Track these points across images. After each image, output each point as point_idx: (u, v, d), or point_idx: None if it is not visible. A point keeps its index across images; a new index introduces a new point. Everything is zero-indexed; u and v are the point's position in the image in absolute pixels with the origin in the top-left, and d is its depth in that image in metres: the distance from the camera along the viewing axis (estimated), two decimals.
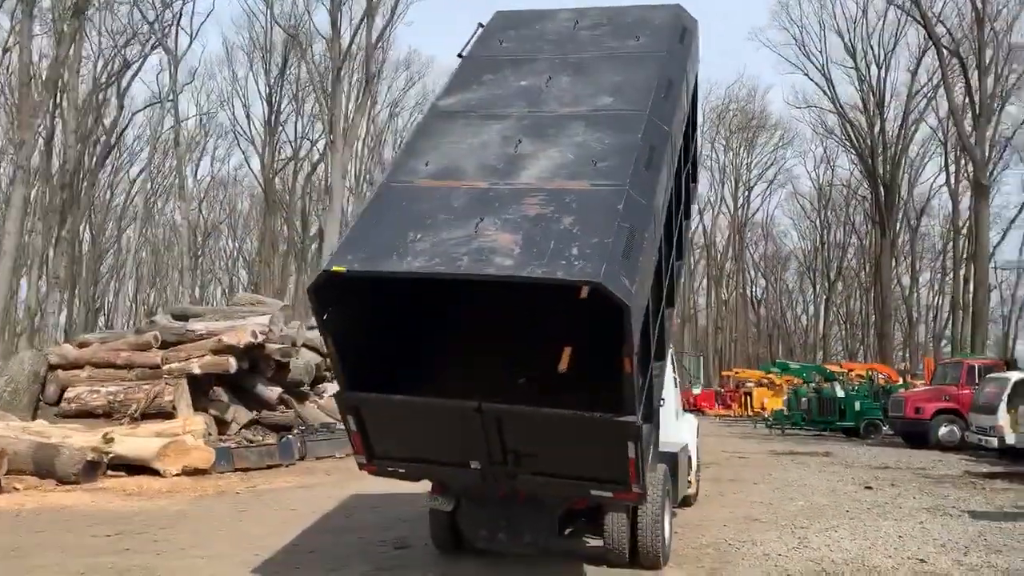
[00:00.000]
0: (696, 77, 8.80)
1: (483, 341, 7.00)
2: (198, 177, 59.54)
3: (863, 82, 50.13)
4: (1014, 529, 9.99)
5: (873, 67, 49.93)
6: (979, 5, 38.42)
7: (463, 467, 6.40)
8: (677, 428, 9.86)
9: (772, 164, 63.99)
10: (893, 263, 52.22)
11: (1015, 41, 41.74)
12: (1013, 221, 51.51)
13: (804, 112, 57.99)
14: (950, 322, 54.14)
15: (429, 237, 5.76)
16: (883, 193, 48.53)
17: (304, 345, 19.45)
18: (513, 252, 5.51)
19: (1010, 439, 17.49)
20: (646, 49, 7.68)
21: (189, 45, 67.58)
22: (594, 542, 7.79)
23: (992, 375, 20.59)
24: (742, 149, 65.00)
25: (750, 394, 36.68)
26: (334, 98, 41.22)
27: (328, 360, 6.45)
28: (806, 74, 51.11)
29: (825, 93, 51.32)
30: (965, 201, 49.54)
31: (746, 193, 65.85)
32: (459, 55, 8.20)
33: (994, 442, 18.34)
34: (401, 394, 6.21)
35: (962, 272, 49.82)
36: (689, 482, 10.34)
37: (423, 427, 6.36)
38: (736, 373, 43.47)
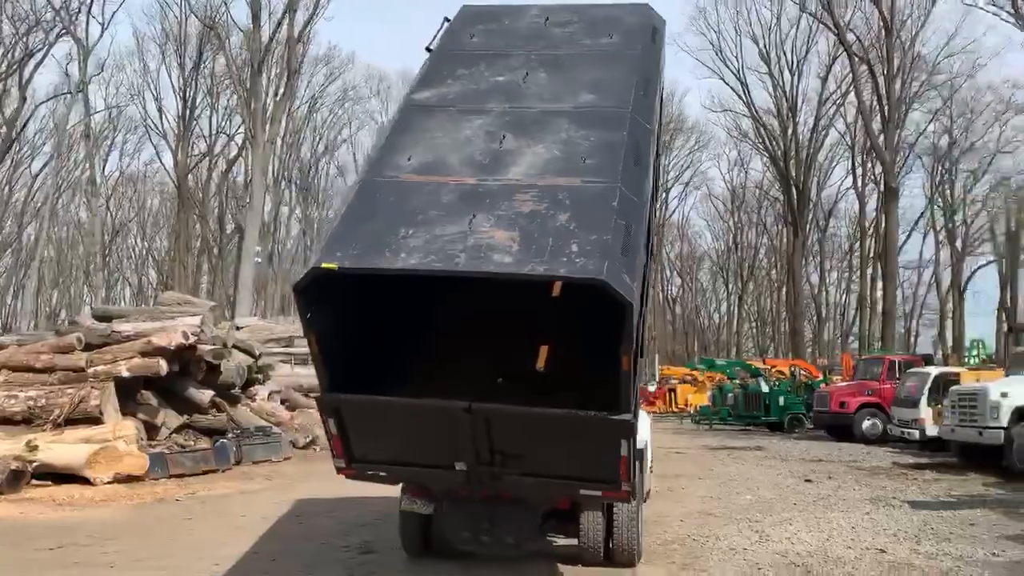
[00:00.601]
0: (663, 77, 8.84)
1: (468, 340, 6.88)
2: (106, 173, 57.11)
3: (777, 87, 51.80)
4: (954, 517, 10.40)
5: (786, 73, 51.64)
6: (887, 15, 40.06)
7: (448, 468, 6.25)
8: (640, 425, 9.91)
9: (688, 167, 65.24)
10: (803, 262, 54.01)
11: (919, 50, 43.66)
12: (916, 223, 53.86)
13: (720, 116, 59.37)
14: (857, 319, 56.27)
15: (421, 233, 5.60)
16: (795, 195, 50.16)
17: (235, 346, 18.84)
18: (511, 249, 5.40)
19: (931, 431, 18.22)
20: (621, 48, 7.66)
21: (100, 35, 64.68)
22: (563, 541, 7.75)
23: (913, 370, 21.44)
24: (660, 152, 66.10)
25: (674, 390, 37.40)
26: (254, 92, 40.18)
27: (312, 360, 6.16)
28: (722, 79, 52.46)
29: (740, 98, 52.78)
30: (871, 203, 51.65)
31: (663, 195, 66.93)
32: (427, 48, 8.05)
33: (916, 434, 19.10)
34: (384, 395, 6.04)
35: (868, 271, 51.87)
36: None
37: (408, 429, 6.19)
38: (662, 370, 44.31)
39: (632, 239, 5.64)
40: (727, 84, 52.65)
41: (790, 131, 50.91)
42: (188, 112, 52.00)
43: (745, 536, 9.11)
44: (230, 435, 16.52)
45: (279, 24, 41.07)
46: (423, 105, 7.08)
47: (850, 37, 41.26)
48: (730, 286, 70.64)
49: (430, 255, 5.42)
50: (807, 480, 14.16)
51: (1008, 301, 49.89)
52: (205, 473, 14.49)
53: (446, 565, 7.54)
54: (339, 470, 6.50)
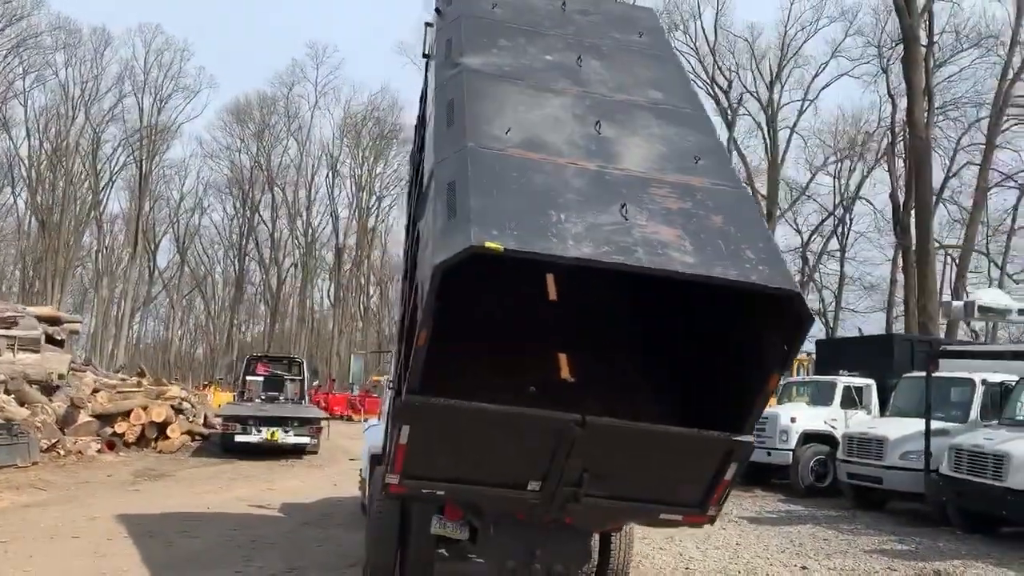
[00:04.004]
0: None
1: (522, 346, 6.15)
2: None
3: None
4: (800, 534, 11.22)
5: None
6: None
7: (519, 488, 5.50)
8: None
9: (402, 178, 65.42)
10: None
11: None
12: None
13: None
14: None
15: (575, 219, 4.90)
16: None
17: None
18: (686, 248, 4.89)
19: None
20: (656, 48, 7.40)
21: None
22: None
23: None
24: (372, 161, 65.53)
25: None
26: None
27: (407, 355, 5.13)
28: None
29: None
30: None
31: (376, 202, 66.60)
32: (436, 10, 7.23)
33: None
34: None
35: None
36: None
37: (489, 442, 5.34)
38: (374, 378, 43.27)
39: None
40: None
41: None
42: None
43: (671, 549, 9.12)
44: None
45: None
46: (485, 73, 6.25)
47: None
48: None
49: (603, 246, 4.74)
50: None
51: None
52: None
53: None
54: (390, 487, 5.45)
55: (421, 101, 8.35)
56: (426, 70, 8.01)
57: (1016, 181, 36.39)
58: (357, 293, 68.86)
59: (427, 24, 8.21)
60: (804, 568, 8.83)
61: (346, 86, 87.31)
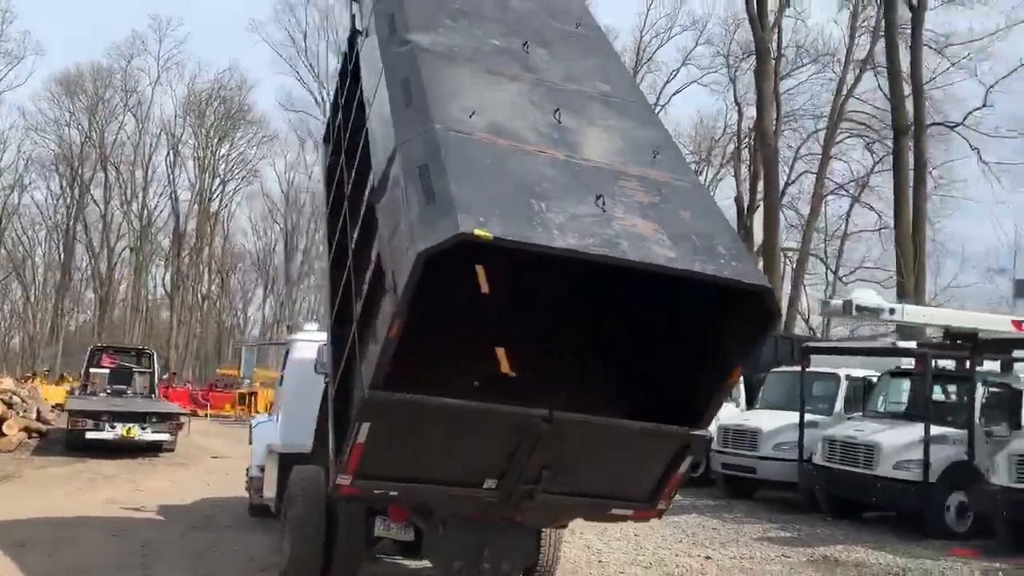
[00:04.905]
0: None
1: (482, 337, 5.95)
2: None
3: None
4: (688, 523, 11.56)
5: None
6: None
7: (474, 486, 5.33)
8: None
9: (249, 161, 62.69)
10: None
11: None
12: None
13: (290, 115, 58.40)
14: None
15: (556, 209, 4.78)
16: None
17: None
18: (664, 242, 4.86)
19: None
20: (595, 40, 7.35)
21: None
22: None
23: None
24: (217, 143, 62.47)
25: (255, 394, 35.40)
26: None
27: (376, 347, 4.83)
28: (300, 80, 51.87)
29: (318, 103, 52.55)
30: None
31: (221, 186, 63.58)
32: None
33: None
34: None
35: None
36: None
37: (447, 438, 5.13)
38: (219, 371, 41.33)
39: None
40: (305, 86, 52.18)
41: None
42: None
43: (586, 539, 9.14)
44: None
45: None
46: (437, 53, 5.99)
47: None
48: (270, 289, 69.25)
49: (588, 237, 4.63)
50: None
51: None
52: None
53: None
54: (339, 488, 5.13)
55: (344, 77, 7.93)
56: (350, 46, 7.64)
57: (848, 191, 39.22)
58: (196, 282, 65.53)
59: None
60: (708, 558, 9.08)
61: (191, 62, 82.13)
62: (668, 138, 6.24)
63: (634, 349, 5.92)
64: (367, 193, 5.66)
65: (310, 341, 9.56)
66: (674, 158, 5.93)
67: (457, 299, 6.11)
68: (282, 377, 9.92)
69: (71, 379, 33.73)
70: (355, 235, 5.91)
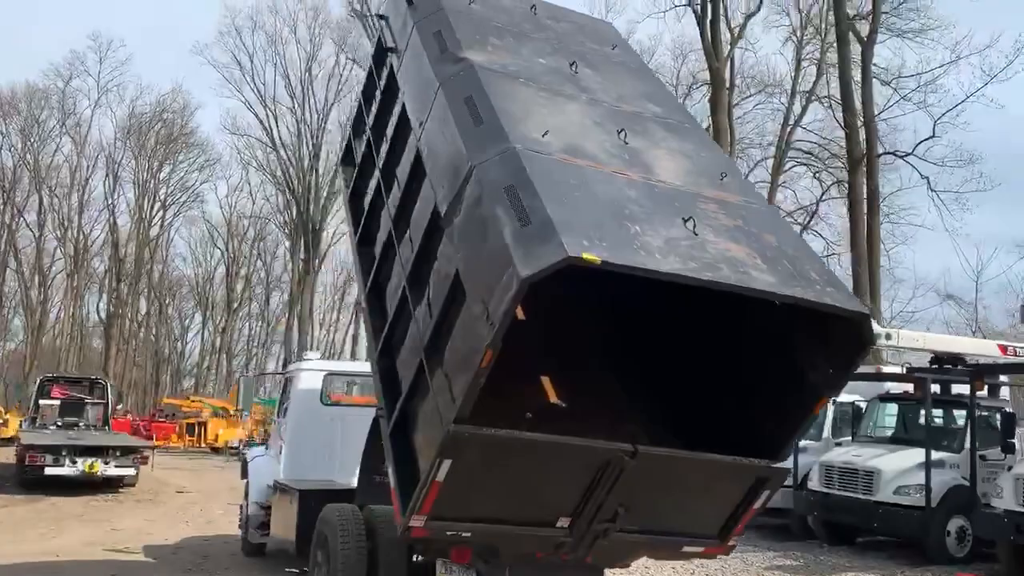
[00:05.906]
0: None
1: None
2: None
3: (302, 126, 51.84)
4: None
5: (313, 114, 51.90)
6: None
7: (547, 525, 5.06)
8: None
9: (190, 186, 61.14)
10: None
11: None
12: None
13: (234, 139, 57.16)
14: None
15: (650, 232, 4.58)
16: (311, 239, 50.56)
17: None
18: (759, 266, 4.70)
19: None
20: (634, 62, 7.25)
21: None
22: None
23: None
24: (158, 166, 60.84)
25: (204, 424, 34.18)
26: None
27: (466, 381, 4.52)
28: (247, 104, 50.87)
29: (266, 129, 51.63)
30: None
31: (161, 211, 61.84)
32: (408, 1, 6.69)
33: None
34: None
35: None
36: None
37: (528, 476, 4.86)
38: (164, 400, 39.84)
39: None
40: (251, 110, 51.19)
41: (311, 176, 51.12)
42: None
43: None
44: None
45: None
46: (495, 71, 5.79)
47: None
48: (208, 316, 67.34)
49: (689, 261, 4.44)
50: None
51: None
52: None
53: None
54: (410, 530, 4.80)
55: (368, 96, 7.59)
56: (380, 64, 7.33)
57: (795, 218, 39.96)
58: (134, 308, 63.51)
59: (380, 16, 7.60)
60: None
61: (132, 84, 79.92)
62: (730, 162, 6.14)
63: (711, 380, 5.70)
64: (429, 215, 5.37)
65: (314, 371, 9.19)
66: (742, 181, 5.82)
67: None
68: (284, 408, 9.46)
69: (12, 411, 32.22)
70: (410, 261, 5.59)
